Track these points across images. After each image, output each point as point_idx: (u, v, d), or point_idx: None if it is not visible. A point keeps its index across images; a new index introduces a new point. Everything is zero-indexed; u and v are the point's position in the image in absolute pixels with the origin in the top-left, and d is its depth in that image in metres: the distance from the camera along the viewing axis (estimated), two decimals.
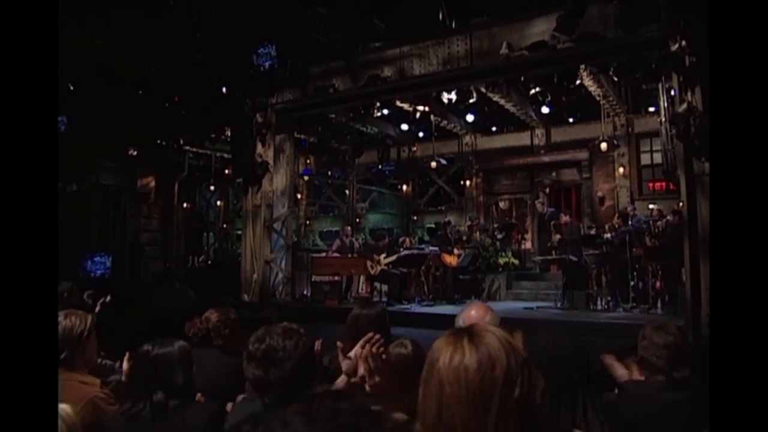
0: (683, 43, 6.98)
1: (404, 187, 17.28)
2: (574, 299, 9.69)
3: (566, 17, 7.63)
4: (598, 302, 9.75)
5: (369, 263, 11.06)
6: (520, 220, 15.21)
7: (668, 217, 9.26)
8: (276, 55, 10.33)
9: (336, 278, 11.30)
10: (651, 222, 9.59)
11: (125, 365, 2.77)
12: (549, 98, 10.32)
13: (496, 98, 12.10)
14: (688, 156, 7.08)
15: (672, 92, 9.59)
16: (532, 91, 9.74)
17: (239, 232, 20.05)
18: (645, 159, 13.42)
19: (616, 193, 13.50)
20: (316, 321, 10.10)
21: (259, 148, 11.16)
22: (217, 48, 10.14)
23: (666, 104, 10.00)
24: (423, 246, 12.55)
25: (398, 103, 12.45)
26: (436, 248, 11.90)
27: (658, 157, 13.27)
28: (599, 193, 13.78)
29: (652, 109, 12.68)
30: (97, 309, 5.34)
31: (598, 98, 11.87)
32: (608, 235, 10.01)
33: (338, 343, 2.22)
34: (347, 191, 17.88)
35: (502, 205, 15.93)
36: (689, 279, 7.01)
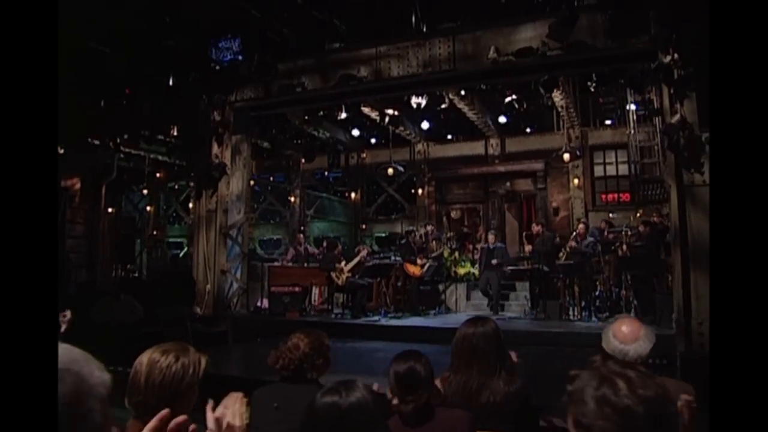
0: (675, 55, 7.18)
1: (352, 195, 16.91)
2: (548, 309, 9.74)
3: (560, 24, 7.65)
4: (570, 312, 9.88)
5: (334, 273, 10.61)
6: (473, 229, 15.29)
7: (640, 228, 9.53)
8: (240, 50, 9.71)
9: (296, 289, 10.73)
10: (624, 232, 9.82)
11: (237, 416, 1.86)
12: (522, 107, 10.36)
13: (460, 105, 12.07)
14: (678, 167, 7.27)
15: (653, 104, 9.97)
16: (508, 99, 9.73)
17: (172, 240, 18.86)
18: (598, 171, 13.90)
19: (570, 203, 13.87)
20: (278, 336, 9.52)
21: (215, 149, 10.42)
22: (174, 37, 9.36)
23: (635, 117, 10.37)
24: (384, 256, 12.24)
25: (362, 107, 12.14)
26: (399, 258, 11.67)
27: (611, 170, 13.81)
28: (554, 204, 14.10)
29: (608, 122, 13.18)
30: (63, 328, 4.64)
31: (560, 109, 12.13)
32: (573, 244, 10.14)
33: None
34: (291, 197, 17.25)
35: (453, 214, 15.95)
36: (681, 289, 7.15)
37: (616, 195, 13.66)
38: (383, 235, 16.29)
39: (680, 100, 7.27)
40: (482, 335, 2.68)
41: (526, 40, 8.31)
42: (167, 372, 1.77)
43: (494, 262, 10.61)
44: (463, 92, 10.41)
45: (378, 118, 13.27)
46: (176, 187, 18.21)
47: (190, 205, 17.62)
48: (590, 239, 10.10)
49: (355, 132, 15.29)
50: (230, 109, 10.45)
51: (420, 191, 15.85)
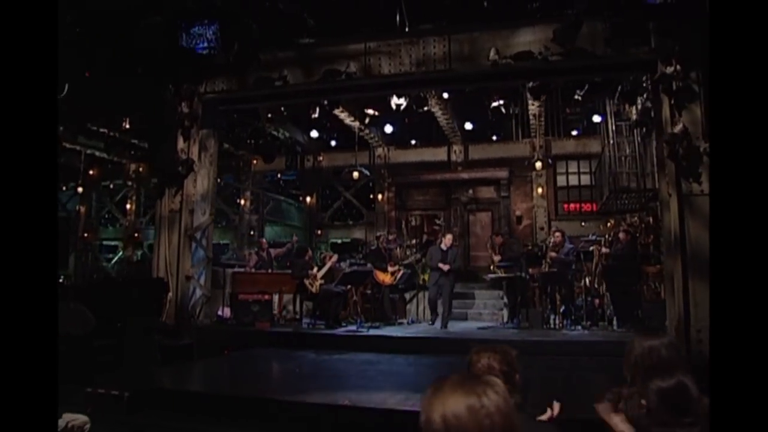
0: (678, 66, 7.38)
1: (308, 199, 16.38)
2: (530, 318, 9.74)
3: (566, 29, 7.68)
4: (550, 321, 9.93)
5: (307, 281, 10.11)
6: (433, 236, 15.19)
7: (620, 235, 9.75)
8: (215, 37, 9.09)
9: (265, 297, 10.13)
10: (601, 240, 10.02)
11: None
12: (509, 112, 10.37)
13: (434, 108, 11.96)
14: (678, 176, 7.46)
15: (634, 114, 10.24)
16: (495, 104, 9.70)
17: (105, 243, 17.46)
18: (561, 181, 14.23)
19: (534, 212, 14.09)
20: (250, 348, 8.92)
21: (181, 143, 9.67)
22: (142, 17, 8.61)
23: (613, 126, 10.65)
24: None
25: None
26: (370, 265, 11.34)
27: (573, 179, 14.18)
28: (517, 212, 14.28)
29: (574, 132, 13.52)
30: None
31: (532, 118, 12.30)
32: (553, 254, 10.26)
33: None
34: (241, 200, 16.47)
35: (413, 221, 15.80)
36: (680, 297, 7.31)
37: (578, 205, 14.04)
38: (339, 241, 15.90)
39: (680, 110, 7.49)
40: (667, 348, 2.49)
41: (525, 44, 8.29)
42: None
43: (447, 267, 9.82)
44: (446, 95, 10.27)
45: (347, 119, 12.95)
46: (111, 186, 16.93)
47: (127, 206, 16.44)
48: (569, 246, 10.24)
49: (314, 133, 14.82)
50: (199, 100, 9.75)
51: (380, 197, 15.60)
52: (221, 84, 9.73)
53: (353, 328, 9.89)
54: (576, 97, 9.46)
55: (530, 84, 9.50)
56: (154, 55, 9.18)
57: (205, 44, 9.17)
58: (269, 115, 11.71)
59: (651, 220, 11.17)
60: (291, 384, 6.10)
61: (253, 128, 12.83)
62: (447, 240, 10.27)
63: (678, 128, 7.30)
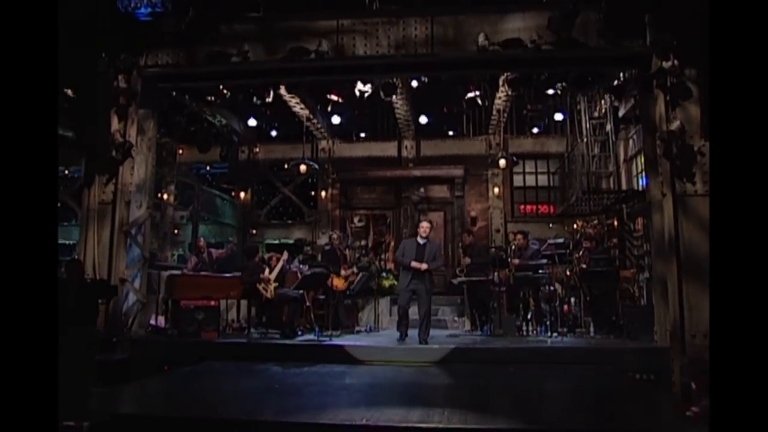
0: (675, 62, 7.46)
1: (242, 195, 15.48)
2: (504, 325, 9.58)
3: (562, 17, 7.57)
4: (523, 327, 9.83)
5: (260, 285, 9.40)
6: (382, 237, 14.84)
7: (584, 244, 9.81)
8: (160, 1, 8.27)
9: (212, 303, 9.32)
10: (574, 243, 10.06)
11: None
12: (485, 104, 10.19)
13: (395, 99, 11.60)
14: (672, 175, 7.54)
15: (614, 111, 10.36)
16: (471, 95, 9.48)
17: None
18: (518, 181, 14.30)
19: (489, 213, 14.06)
20: (200, 362, 8.10)
21: (116, 124, 8.68)
22: None
23: (590, 124, 10.76)
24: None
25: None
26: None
27: (531, 180, 14.30)
28: (472, 213, 14.20)
29: (535, 130, 13.62)
30: None
31: (496, 113, 12.25)
32: (516, 261, 10.11)
33: None
34: (164, 194, 15.27)
35: (356, 221, 15.34)
36: (676, 301, 7.38)
37: (535, 206, 14.17)
38: (276, 242, 15.15)
39: (675, 107, 7.58)
40: None
41: (513, 31, 8.12)
42: None
43: (424, 266, 8.26)
44: (415, 83, 9.93)
45: (297, 106, 12.31)
46: None
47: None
48: (534, 248, 10.18)
49: (252, 121, 14.04)
50: (138, 75, 8.81)
51: (323, 194, 15.01)
52: (166, 57, 8.83)
53: (312, 337, 9.31)
54: (556, 91, 9.42)
55: (507, 75, 9.37)
56: (84, 19, 8.16)
57: (149, 9, 8.33)
58: (210, 98, 10.83)
59: (615, 223, 11.44)
60: (278, 402, 5.48)
61: (189, 112, 11.86)
62: (423, 228, 8.59)
63: (675, 125, 7.38)
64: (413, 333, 8.55)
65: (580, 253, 9.64)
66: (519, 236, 10.37)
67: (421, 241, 8.56)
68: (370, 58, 8.43)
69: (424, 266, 8.33)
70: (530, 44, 7.97)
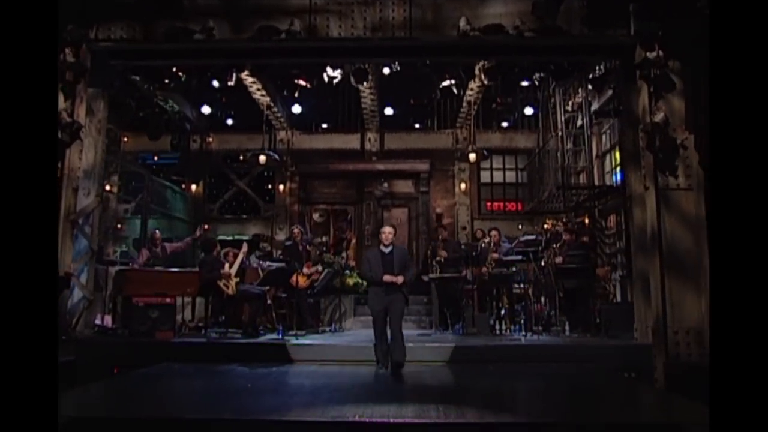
0: (660, 52, 7.58)
1: (193, 187, 14.96)
2: (477, 324, 9.53)
3: (547, 0, 7.58)
4: (496, 326, 9.81)
5: (221, 281, 9.04)
6: (343, 233, 14.63)
7: (564, 236, 9.85)
8: None
9: (167, 300, 8.90)
10: (554, 237, 10.10)
11: None
12: (459, 93, 10.10)
13: (362, 88, 11.43)
14: (655, 169, 7.65)
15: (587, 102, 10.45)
16: (445, 83, 9.39)
17: None
18: (485, 177, 14.34)
19: (455, 210, 14.05)
20: (155, 363, 7.69)
21: (62, 102, 8.18)
22: None
23: (564, 116, 10.85)
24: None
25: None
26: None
27: (498, 176, 14.37)
28: (438, 209, 14.14)
29: (505, 124, 13.69)
30: None
31: (466, 105, 12.23)
32: (495, 255, 10.13)
33: None
34: (106, 185, 14.58)
35: (316, 217, 15.09)
36: (659, 297, 7.48)
37: (502, 203, 14.24)
38: (229, 238, 14.69)
39: (658, 99, 7.70)
40: None
41: (495, 16, 8.09)
42: None
43: (400, 279, 6.88)
44: (387, 70, 9.75)
45: (258, 92, 11.97)
46: None
47: None
48: (507, 245, 10.21)
49: (206, 109, 13.58)
50: (88, 49, 8.33)
51: (281, 187, 14.67)
52: (120, 31, 8.41)
53: (276, 336, 9.01)
54: (532, 82, 9.45)
55: (484, 64, 9.33)
56: None
57: None
58: (166, 81, 10.34)
59: (586, 221, 11.59)
60: (255, 401, 5.21)
61: (140, 95, 11.34)
62: (386, 235, 7.22)
63: (659, 117, 7.48)
64: None
65: (557, 245, 9.67)
66: (494, 232, 10.37)
67: (385, 249, 7.18)
68: (345, 41, 8.25)
69: (400, 279, 6.92)
70: (513, 30, 7.96)
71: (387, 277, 6.90)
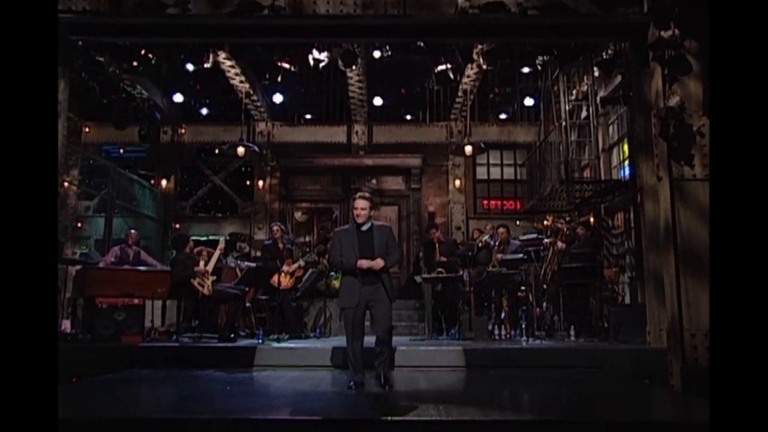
0: (676, 31, 7.45)
1: (163, 183, 14.65)
2: (474, 328, 9.36)
3: None
4: (495, 331, 9.64)
5: (195, 280, 8.77)
6: (328, 232, 14.41)
7: (578, 230, 9.74)
8: None
9: (135, 301, 8.61)
10: (562, 233, 9.97)
11: None
12: (456, 79, 9.95)
13: (350, 74, 11.25)
14: (669, 158, 7.51)
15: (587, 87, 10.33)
16: (441, 68, 9.22)
17: None
18: (481, 173, 14.19)
19: (449, 209, 13.87)
20: (121, 370, 7.40)
21: None
22: None
23: (569, 106, 10.73)
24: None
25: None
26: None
27: (495, 172, 14.23)
28: (430, 208, 13.97)
29: (503, 116, 13.56)
30: None
31: (462, 95, 12.10)
32: (500, 256, 9.96)
33: None
34: (64, 181, 14.22)
35: (298, 216, 14.85)
36: (674, 297, 7.32)
37: (499, 202, 14.09)
38: (204, 238, 14.40)
39: (672, 82, 7.57)
40: None
41: None
42: None
43: (379, 262, 5.57)
44: (378, 54, 9.58)
45: (236, 78, 11.74)
46: None
47: None
48: (516, 243, 10.07)
49: (178, 97, 13.33)
50: None
51: (260, 184, 14.42)
52: (82, 2, 8.10)
53: (255, 341, 8.75)
54: (534, 67, 9.32)
55: (483, 47, 9.18)
56: None
57: None
58: (134, 63, 10.06)
59: (591, 219, 11.46)
60: (238, 403, 4.97)
61: (104, 78, 11.04)
62: (359, 210, 5.77)
63: (674, 101, 7.33)
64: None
65: (559, 245, 9.55)
66: (502, 229, 10.23)
67: (363, 227, 5.83)
68: (334, 18, 7.99)
69: (378, 263, 5.59)
70: (515, 8, 7.77)
71: (362, 262, 5.58)
